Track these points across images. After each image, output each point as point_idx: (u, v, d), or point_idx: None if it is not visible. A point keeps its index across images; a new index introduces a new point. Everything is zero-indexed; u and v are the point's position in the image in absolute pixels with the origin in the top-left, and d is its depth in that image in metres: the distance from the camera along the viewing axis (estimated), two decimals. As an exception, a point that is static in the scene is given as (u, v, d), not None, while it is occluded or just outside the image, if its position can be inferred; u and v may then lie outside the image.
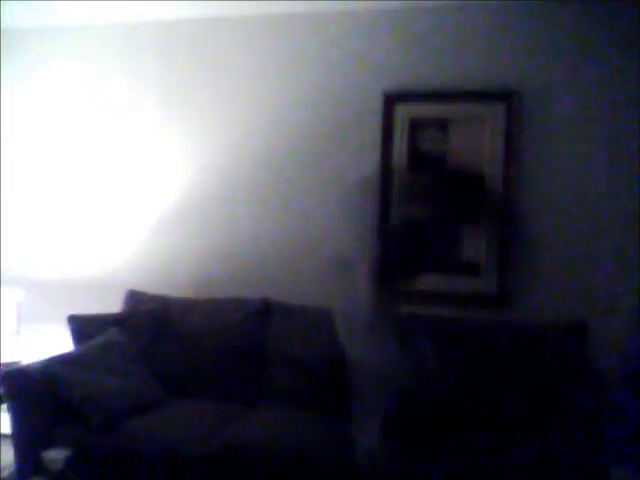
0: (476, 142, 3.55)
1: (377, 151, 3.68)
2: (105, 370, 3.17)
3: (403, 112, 3.66)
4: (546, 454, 2.68)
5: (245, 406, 3.33)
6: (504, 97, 3.51)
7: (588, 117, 3.44)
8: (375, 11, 3.71)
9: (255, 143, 3.90)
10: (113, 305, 3.73)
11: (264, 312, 3.56)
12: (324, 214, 3.73)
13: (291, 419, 3.11)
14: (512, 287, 3.49)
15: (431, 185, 3.60)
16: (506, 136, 3.51)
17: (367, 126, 3.72)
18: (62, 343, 3.52)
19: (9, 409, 3.03)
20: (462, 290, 3.55)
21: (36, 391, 3.02)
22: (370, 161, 3.68)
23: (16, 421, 3.00)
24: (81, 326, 3.43)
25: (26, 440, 2.97)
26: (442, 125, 3.61)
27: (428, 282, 3.50)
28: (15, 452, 2.98)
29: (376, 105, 3.69)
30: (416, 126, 3.64)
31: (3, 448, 3.29)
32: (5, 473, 3.09)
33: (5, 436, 3.26)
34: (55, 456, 2.49)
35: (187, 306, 3.66)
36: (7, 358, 3.63)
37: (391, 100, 3.67)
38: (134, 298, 3.75)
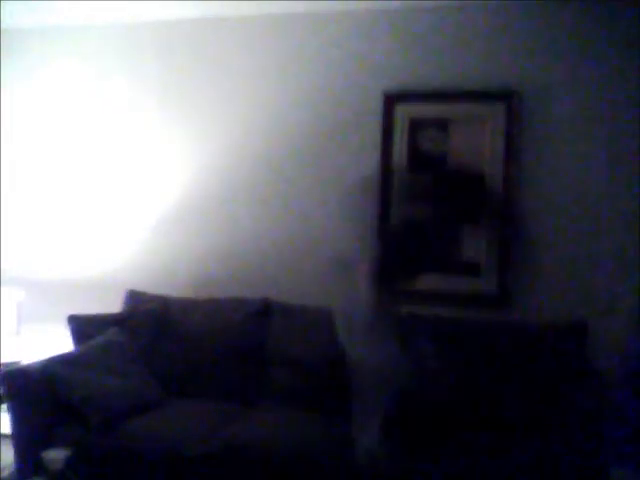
0: (476, 142, 3.55)
1: (377, 151, 3.68)
2: (105, 370, 3.17)
3: (403, 112, 3.66)
4: (546, 454, 2.68)
5: (245, 406, 3.32)
6: (504, 97, 3.51)
7: (588, 117, 3.44)
8: (375, 11, 3.71)
9: (255, 143, 3.90)
10: (113, 305, 3.73)
11: (264, 312, 3.56)
12: (324, 214, 3.73)
13: (291, 419, 3.11)
14: (512, 287, 3.49)
15: (431, 185, 3.60)
16: (506, 136, 3.51)
17: (367, 126, 3.72)
18: (62, 343, 3.52)
19: (9, 409, 3.03)
20: (462, 290, 3.55)
21: (36, 391, 3.02)
22: (370, 161, 3.68)
23: (16, 421, 3.00)
24: (81, 326, 3.43)
25: (26, 440, 2.97)
26: (442, 125, 3.61)
27: (428, 282, 3.50)
28: (15, 452, 2.98)
29: (376, 105, 3.69)
30: (416, 126, 3.64)
31: (3, 448, 3.29)
32: (5, 473, 3.09)
33: (5, 436, 3.26)
34: (55, 456, 2.49)
35: (187, 306, 3.66)
36: (7, 358, 3.63)
37: (391, 100, 3.67)
38: (134, 298, 3.75)
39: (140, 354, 3.42)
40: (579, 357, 3.12)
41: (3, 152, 4.25)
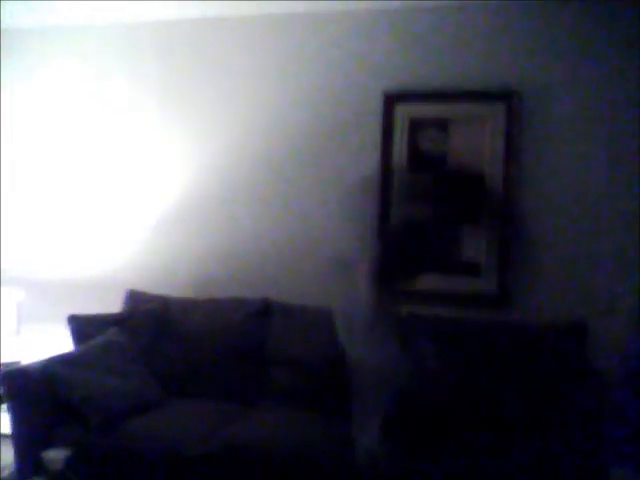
0: (476, 142, 3.55)
1: (377, 151, 3.68)
2: (105, 370, 3.17)
3: (403, 112, 3.66)
4: (546, 454, 2.68)
5: (245, 406, 3.32)
6: (504, 97, 3.51)
7: (588, 117, 3.44)
8: (375, 11, 3.71)
9: (255, 143, 3.90)
10: (113, 305, 3.73)
11: (264, 312, 3.56)
12: (324, 214, 3.73)
13: (291, 419, 3.11)
14: (512, 287, 3.49)
15: (431, 185, 3.60)
16: (506, 136, 3.51)
17: (367, 126, 3.72)
18: (62, 343, 3.52)
19: (9, 409, 3.03)
20: (462, 290, 3.55)
21: (36, 391, 3.02)
22: (370, 161, 3.68)
23: (16, 421, 3.00)
24: (81, 326, 3.43)
25: (26, 440, 2.97)
26: (442, 125, 3.61)
27: (428, 282, 3.50)
28: (15, 452, 2.98)
29: (376, 105, 3.69)
30: (416, 126, 3.64)
31: (3, 448, 3.30)
32: (5, 473, 3.09)
33: (5, 436, 3.26)
34: (55, 456, 2.49)
35: (187, 306, 3.66)
36: (7, 358, 3.63)
37: (391, 100, 3.67)
38: (134, 298, 3.75)
39: (140, 354, 3.42)
40: (579, 357, 3.12)
41: (3, 152, 4.25)
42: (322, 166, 3.79)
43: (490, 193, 3.52)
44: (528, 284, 3.48)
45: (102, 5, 3.83)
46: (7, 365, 3.41)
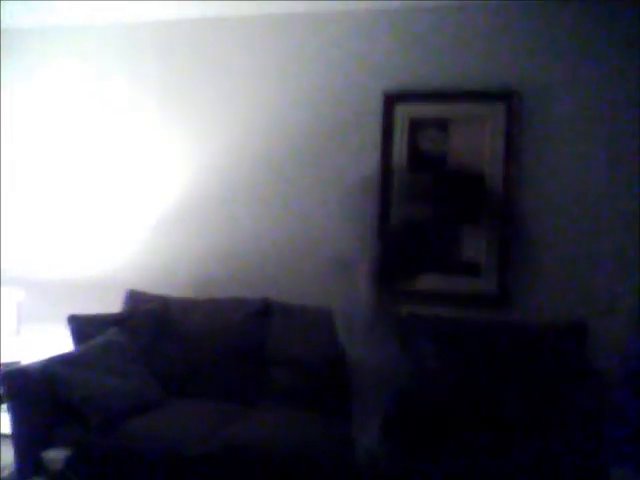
0: (476, 142, 3.55)
1: (377, 151, 3.68)
2: (105, 370, 3.17)
3: (403, 112, 3.66)
4: (546, 454, 2.68)
5: (245, 406, 3.32)
6: (504, 97, 3.51)
7: (588, 117, 3.44)
8: (375, 11, 3.71)
9: (255, 143, 3.90)
10: (113, 305, 3.73)
11: (264, 312, 3.56)
12: (324, 214, 3.73)
13: (291, 419, 3.11)
14: (512, 287, 3.49)
15: (431, 185, 3.60)
16: (506, 136, 3.51)
17: (367, 126, 3.72)
18: (62, 343, 3.52)
19: (9, 409, 3.03)
20: (462, 290, 3.55)
21: (36, 391, 3.02)
22: (370, 161, 3.68)
23: (16, 421, 3.00)
24: (81, 326, 3.43)
25: (26, 440, 2.97)
26: (442, 125, 3.61)
27: (428, 282, 3.50)
28: (15, 452, 2.98)
29: (376, 105, 3.69)
30: (416, 126, 3.64)
31: (3, 448, 3.30)
32: (5, 473, 3.09)
33: (5, 436, 3.26)
34: (55, 456, 2.49)
35: (187, 306, 3.66)
36: (7, 358, 3.63)
37: (391, 100, 3.67)
38: (134, 298, 3.75)
39: (140, 354, 3.42)
40: (579, 357, 3.12)
41: (3, 152, 4.25)
42: (322, 166, 3.79)
43: (490, 193, 3.52)
44: (528, 284, 3.48)
45: (102, 5, 3.83)
46: (7, 365, 3.41)
